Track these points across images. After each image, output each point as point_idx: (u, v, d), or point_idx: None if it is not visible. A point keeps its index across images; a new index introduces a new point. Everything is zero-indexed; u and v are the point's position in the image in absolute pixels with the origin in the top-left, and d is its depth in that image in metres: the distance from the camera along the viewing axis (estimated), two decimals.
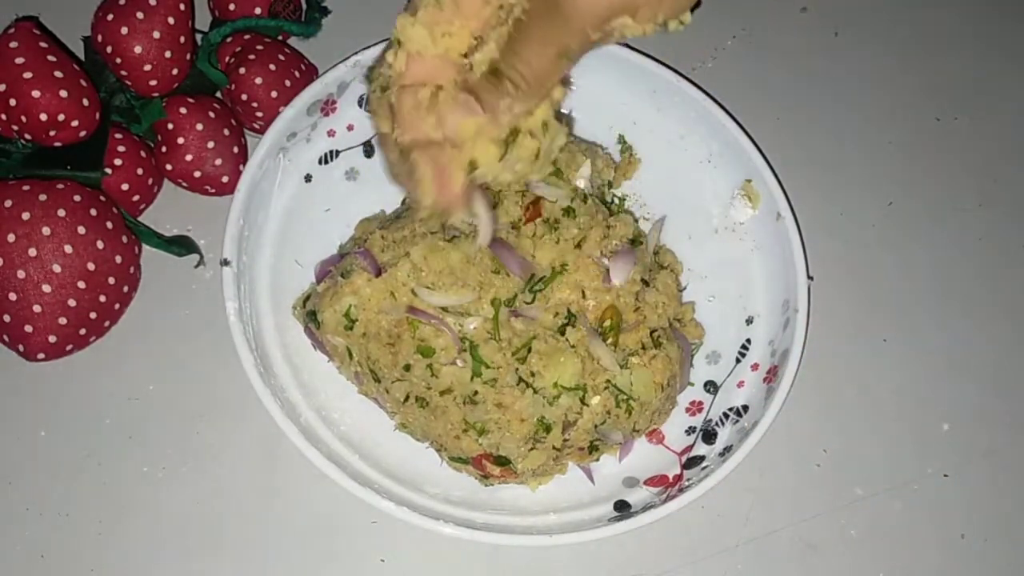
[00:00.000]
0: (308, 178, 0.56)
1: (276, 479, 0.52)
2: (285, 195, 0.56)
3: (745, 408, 0.53)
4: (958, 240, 0.62)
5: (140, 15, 0.53)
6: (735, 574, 0.52)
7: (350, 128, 0.57)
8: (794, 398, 0.52)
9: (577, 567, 0.52)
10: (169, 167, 0.55)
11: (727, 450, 0.51)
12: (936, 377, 0.58)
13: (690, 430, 0.54)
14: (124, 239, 0.52)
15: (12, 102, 0.50)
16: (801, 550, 0.53)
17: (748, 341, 0.56)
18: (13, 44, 0.50)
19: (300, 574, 0.51)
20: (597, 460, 0.52)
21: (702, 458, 0.52)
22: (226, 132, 0.55)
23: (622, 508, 0.51)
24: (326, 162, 0.57)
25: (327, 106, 0.56)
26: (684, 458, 0.53)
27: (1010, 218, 0.63)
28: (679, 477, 0.52)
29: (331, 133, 0.57)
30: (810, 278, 0.54)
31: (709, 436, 0.53)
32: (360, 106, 0.57)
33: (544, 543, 0.48)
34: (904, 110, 0.65)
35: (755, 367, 0.55)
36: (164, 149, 0.55)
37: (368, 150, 0.58)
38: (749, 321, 0.56)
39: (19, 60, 0.50)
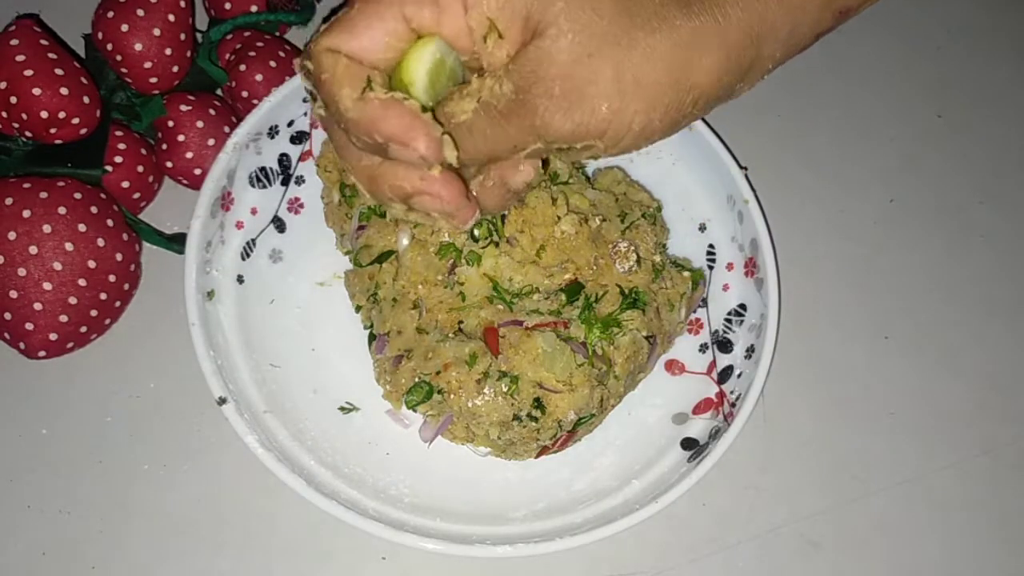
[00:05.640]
0: (240, 279, 0.54)
1: (276, 477, 0.52)
2: (229, 305, 0.53)
3: (743, 307, 0.53)
4: (960, 237, 0.62)
5: (140, 12, 0.53)
6: (737, 572, 0.52)
7: (254, 212, 0.55)
8: (794, 396, 0.52)
9: (578, 566, 0.52)
10: (169, 164, 0.55)
11: (750, 351, 0.51)
12: (936, 376, 0.58)
13: (703, 347, 0.54)
14: (125, 236, 0.52)
15: (13, 100, 0.50)
16: (803, 548, 0.53)
17: (711, 246, 0.56)
18: (14, 42, 0.50)
19: (300, 573, 0.51)
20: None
21: (730, 367, 0.52)
22: (226, 129, 0.55)
23: (690, 446, 0.51)
24: (247, 256, 0.54)
25: (226, 200, 0.53)
26: (714, 374, 0.53)
27: (1012, 215, 0.63)
28: (721, 394, 0.52)
29: (239, 225, 0.54)
30: (743, 167, 0.54)
31: (724, 345, 0.53)
32: (252, 185, 0.54)
33: (545, 551, 0.47)
34: (906, 107, 0.65)
35: (730, 266, 0.55)
36: (164, 146, 0.55)
37: (280, 225, 0.55)
38: (702, 228, 0.56)
39: (20, 58, 0.50)
